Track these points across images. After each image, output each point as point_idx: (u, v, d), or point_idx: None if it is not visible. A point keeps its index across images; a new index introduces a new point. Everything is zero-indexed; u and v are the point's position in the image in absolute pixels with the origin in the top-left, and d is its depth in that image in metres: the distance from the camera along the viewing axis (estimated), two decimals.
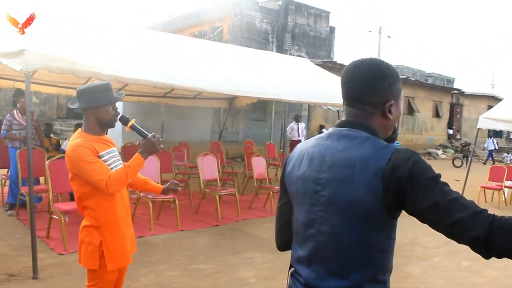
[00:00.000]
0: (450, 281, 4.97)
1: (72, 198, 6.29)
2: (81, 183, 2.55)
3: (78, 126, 5.20)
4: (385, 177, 1.30)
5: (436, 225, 1.28)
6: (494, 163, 20.29)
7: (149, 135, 2.65)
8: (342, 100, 1.54)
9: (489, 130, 20.18)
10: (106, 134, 2.80)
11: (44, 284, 4.23)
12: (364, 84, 1.46)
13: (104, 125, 2.68)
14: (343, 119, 1.53)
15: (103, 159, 2.59)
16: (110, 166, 2.60)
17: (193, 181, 8.74)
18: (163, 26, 21.13)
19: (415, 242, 6.40)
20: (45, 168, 5.64)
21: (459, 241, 1.26)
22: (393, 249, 1.46)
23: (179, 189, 3.09)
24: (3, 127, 7.04)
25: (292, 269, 1.57)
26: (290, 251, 1.63)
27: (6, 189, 7.50)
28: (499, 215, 1.23)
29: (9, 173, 7.58)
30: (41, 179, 7.03)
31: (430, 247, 6.19)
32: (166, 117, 12.78)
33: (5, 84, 8.05)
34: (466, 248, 1.26)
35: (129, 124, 2.66)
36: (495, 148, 22.04)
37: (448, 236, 1.28)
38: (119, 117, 2.72)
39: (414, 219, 1.35)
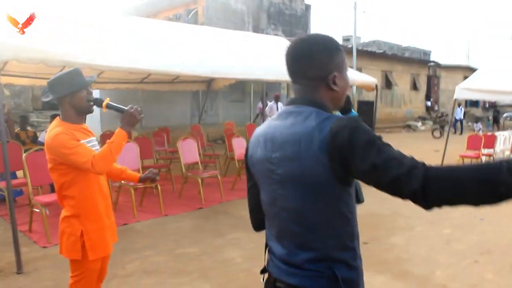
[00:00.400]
0: (432, 249, 5.08)
1: (53, 189, 6.21)
2: (62, 172, 2.51)
3: (54, 116, 5.11)
4: (328, 147, 1.32)
5: (378, 185, 1.28)
6: (455, 132, 20.75)
7: (127, 108, 2.60)
8: None
9: (466, 101, 20.53)
10: (85, 122, 2.75)
11: (29, 278, 4.20)
12: (302, 59, 1.48)
13: (81, 112, 2.63)
14: (291, 97, 1.54)
15: None
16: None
17: (175, 165, 8.69)
18: (137, 10, 20.72)
19: (397, 213, 6.50)
20: (22, 162, 5.54)
21: (402, 197, 1.26)
22: (355, 215, 1.48)
23: (158, 178, 3.06)
24: None
25: (268, 247, 1.61)
26: None
27: None
28: (434, 165, 1.23)
29: None
30: (19, 173, 6.90)
31: (413, 217, 6.28)
32: (145, 103, 12.63)
33: None
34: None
35: (104, 103, 2.61)
36: (462, 117, 22.55)
37: (392, 194, 1.28)
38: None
39: None
